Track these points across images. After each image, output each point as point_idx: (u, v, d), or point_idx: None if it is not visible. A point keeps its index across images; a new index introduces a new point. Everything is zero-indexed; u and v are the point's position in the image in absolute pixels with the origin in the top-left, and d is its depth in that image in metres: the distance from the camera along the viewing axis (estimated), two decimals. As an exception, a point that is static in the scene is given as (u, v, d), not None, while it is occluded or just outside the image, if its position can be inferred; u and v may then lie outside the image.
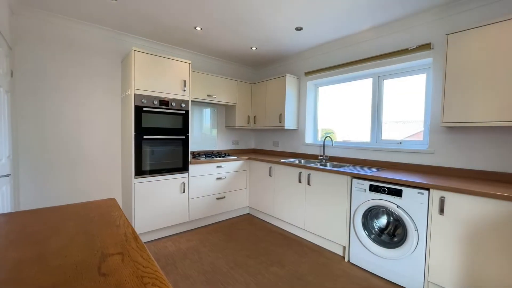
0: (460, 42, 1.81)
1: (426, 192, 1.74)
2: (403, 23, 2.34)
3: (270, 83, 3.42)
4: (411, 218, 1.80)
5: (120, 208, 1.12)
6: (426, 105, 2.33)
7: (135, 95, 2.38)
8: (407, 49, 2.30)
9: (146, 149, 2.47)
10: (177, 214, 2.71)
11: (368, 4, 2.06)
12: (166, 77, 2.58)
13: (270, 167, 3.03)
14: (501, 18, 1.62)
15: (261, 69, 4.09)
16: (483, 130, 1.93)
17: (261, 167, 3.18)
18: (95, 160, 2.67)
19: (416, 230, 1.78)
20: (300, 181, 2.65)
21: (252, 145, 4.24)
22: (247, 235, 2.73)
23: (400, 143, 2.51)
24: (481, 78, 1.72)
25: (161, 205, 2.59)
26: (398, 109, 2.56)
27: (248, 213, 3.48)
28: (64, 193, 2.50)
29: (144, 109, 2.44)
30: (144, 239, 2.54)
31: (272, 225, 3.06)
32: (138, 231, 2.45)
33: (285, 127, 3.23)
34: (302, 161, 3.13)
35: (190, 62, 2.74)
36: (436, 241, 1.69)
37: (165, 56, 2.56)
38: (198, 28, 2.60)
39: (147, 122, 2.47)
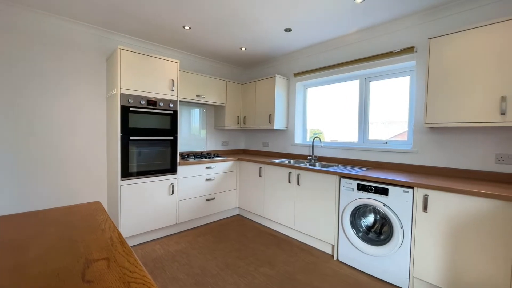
0: (441, 46, 1.88)
1: (410, 190, 1.79)
2: (388, 27, 2.41)
3: (260, 84, 3.43)
4: (396, 216, 1.86)
5: (105, 211, 1.08)
6: (410, 106, 2.41)
7: (121, 94, 2.32)
8: (392, 52, 2.37)
9: (133, 150, 2.41)
10: (166, 217, 2.66)
11: (354, 8, 2.11)
12: (154, 77, 2.53)
13: (260, 167, 3.03)
14: (480, 24, 1.71)
15: (251, 70, 4.09)
16: (463, 131, 2.02)
17: (251, 167, 3.18)
18: (78, 162, 2.57)
19: (402, 227, 1.83)
20: (289, 181, 2.67)
21: (242, 146, 4.23)
22: (237, 236, 2.72)
23: (386, 143, 2.58)
24: (461, 80, 1.80)
25: (149, 207, 2.53)
26: (384, 110, 2.63)
27: (238, 214, 3.46)
28: (44, 198, 2.39)
29: (131, 109, 2.38)
30: (131, 243, 2.47)
31: (262, 225, 3.06)
32: (124, 234, 2.38)
33: (275, 128, 3.24)
34: (292, 161, 3.15)
35: (178, 61, 2.70)
36: (420, 237, 1.75)
37: (152, 55, 2.50)
38: (187, 27, 2.56)
39: (134, 122, 2.41)
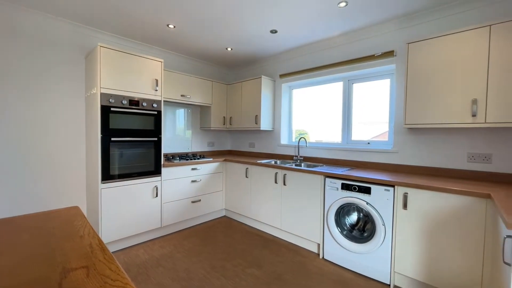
0: (418, 50, 1.98)
1: (391, 189, 1.87)
2: (370, 31, 2.49)
3: (246, 84, 3.43)
4: (379, 213, 1.93)
5: (84, 216, 1.03)
6: (391, 108, 2.51)
7: (102, 94, 2.22)
8: (373, 55, 2.45)
9: (115, 152, 2.32)
10: (150, 220, 2.58)
11: (337, 11, 2.17)
12: (136, 76, 2.45)
13: (247, 168, 3.03)
14: (454, 30, 1.81)
15: (237, 70, 4.08)
16: (439, 131, 2.13)
17: (238, 168, 3.17)
18: (55, 165, 2.43)
19: (383, 224, 1.90)
20: (276, 182, 2.69)
21: (228, 147, 4.21)
22: (224, 238, 2.70)
23: (368, 143, 2.67)
24: (436, 84, 1.90)
25: (132, 211, 2.44)
26: (366, 111, 2.72)
27: (225, 216, 3.43)
28: (18, 204, 2.24)
29: (112, 109, 2.29)
30: (112, 248, 2.37)
31: (249, 226, 3.06)
32: (105, 240, 2.28)
33: (261, 128, 3.25)
34: (278, 161, 3.18)
35: (162, 60, 2.63)
36: (401, 234, 1.83)
37: (135, 54, 2.43)
38: (171, 26, 2.51)
39: (116, 123, 2.32)
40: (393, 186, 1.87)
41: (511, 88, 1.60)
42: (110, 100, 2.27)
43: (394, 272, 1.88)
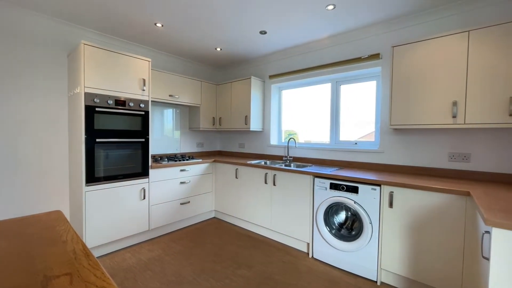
0: (403, 54, 2.05)
1: (378, 188, 1.92)
2: (357, 34, 2.55)
3: (235, 85, 3.42)
4: (366, 212, 1.97)
5: (67, 221, 0.99)
6: (377, 109, 2.58)
7: (86, 93, 2.15)
8: (360, 58, 2.51)
9: (100, 154, 2.25)
10: (137, 223, 2.52)
11: (326, 14, 2.20)
12: (123, 75, 2.39)
13: (237, 169, 3.02)
14: (436, 35, 1.89)
15: (226, 70, 4.06)
16: (422, 132, 2.22)
17: (227, 169, 3.15)
18: (35, 168, 2.33)
19: (371, 223, 1.95)
20: (266, 182, 2.70)
21: (218, 147, 4.18)
22: (214, 240, 2.67)
23: (356, 143, 2.73)
24: (420, 86, 1.97)
25: (118, 214, 2.37)
26: (353, 112, 2.78)
27: (215, 217, 3.41)
28: (-6, 207, 2.12)
29: (97, 109, 2.22)
30: (98, 253, 2.30)
31: (239, 227, 3.05)
32: (90, 245, 2.21)
33: (251, 129, 3.25)
34: (268, 162, 3.19)
35: (150, 60, 2.58)
36: (387, 231, 1.88)
37: (121, 52, 2.36)
38: (159, 25, 2.46)
39: (101, 123, 2.25)
40: (379, 185, 1.92)
41: (488, 91, 1.69)
42: (95, 100, 2.20)
43: (381, 269, 1.93)
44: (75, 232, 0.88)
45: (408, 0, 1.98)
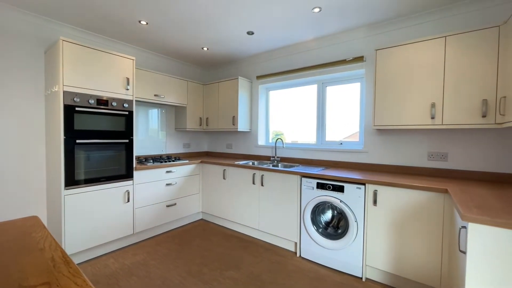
0: (386, 57, 2.12)
1: (363, 187, 1.97)
2: (342, 37, 2.62)
3: (223, 85, 3.39)
4: (351, 210, 2.02)
5: (44, 227, 0.94)
6: (361, 110, 2.65)
7: (65, 92, 2.05)
8: (345, 60, 2.58)
9: (80, 155, 2.15)
10: (121, 227, 2.43)
11: (312, 16, 2.24)
12: (105, 74, 2.30)
13: (224, 170, 3.00)
14: (416, 39, 1.97)
15: (213, 70, 4.02)
16: (404, 132, 2.31)
17: (215, 170, 3.12)
18: (8, 171, 2.18)
19: (356, 221, 2.00)
20: (254, 183, 2.70)
21: (205, 148, 4.13)
22: (201, 242, 2.63)
23: (341, 143, 2.80)
24: (401, 88, 2.05)
25: (100, 218, 2.28)
26: (339, 113, 2.85)
27: (202, 219, 3.36)
28: (-39, 214, 1.97)
29: (77, 109, 2.12)
30: (78, 260, 2.19)
31: (227, 228, 3.03)
32: (70, 251, 2.10)
33: (239, 130, 3.24)
34: (256, 162, 3.19)
35: (134, 58, 2.50)
36: (371, 229, 1.94)
37: (103, 50, 2.27)
38: (143, 22, 2.39)
39: (81, 124, 2.15)
40: (364, 184, 1.98)
41: (463, 94, 1.79)
42: (75, 99, 2.10)
43: (366, 265, 1.98)
44: (54, 239, 0.83)
45: (390, 6, 2.05)
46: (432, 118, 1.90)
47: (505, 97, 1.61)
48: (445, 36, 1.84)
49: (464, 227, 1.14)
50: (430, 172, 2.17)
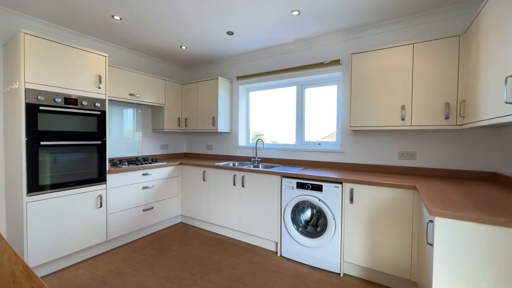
0: (360, 61, 2.22)
1: (340, 185, 2.05)
2: (320, 40, 2.70)
3: (202, 85, 3.33)
4: (329, 208, 2.09)
5: (3, 238, 0.85)
6: (338, 111, 2.75)
7: (26, 89, 1.88)
8: (323, 63, 2.66)
9: (45, 158, 1.98)
10: (92, 234, 2.28)
11: (291, 19, 2.28)
12: (74, 71, 2.15)
13: (204, 171, 2.94)
14: (389, 45, 2.08)
15: (193, 70, 3.94)
16: (377, 133, 2.43)
17: (194, 172, 3.05)
18: (-41, 176, 1.95)
19: (334, 219, 2.07)
20: (234, 184, 2.68)
21: (184, 149, 4.02)
22: (180, 246, 2.56)
23: (319, 144, 2.88)
24: (374, 91, 2.16)
25: (69, 225, 2.12)
26: (317, 114, 2.93)
27: (181, 222, 3.26)
28: None
29: (41, 108, 1.95)
30: (44, 272, 2.02)
31: (207, 231, 2.97)
32: (33, 264, 1.93)
33: (219, 130, 3.20)
34: (236, 163, 3.17)
35: (106, 55, 2.37)
36: (348, 226, 2.02)
37: (71, 45, 2.12)
38: (117, 18, 2.28)
39: (46, 124, 1.99)
40: (341, 183, 2.05)
41: (428, 97, 1.93)
42: (39, 97, 1.93)
43: (344, 261, 2.06)
44: (14, 251, 0.75)
45: (366, 12, 2.15)
46: (402, 119, 2.03)
47: (464, 100, 1.76)
48: (413, 43, 1.97)
49: (431, 221, 1.23)
50: (401, 170, 2.31)
